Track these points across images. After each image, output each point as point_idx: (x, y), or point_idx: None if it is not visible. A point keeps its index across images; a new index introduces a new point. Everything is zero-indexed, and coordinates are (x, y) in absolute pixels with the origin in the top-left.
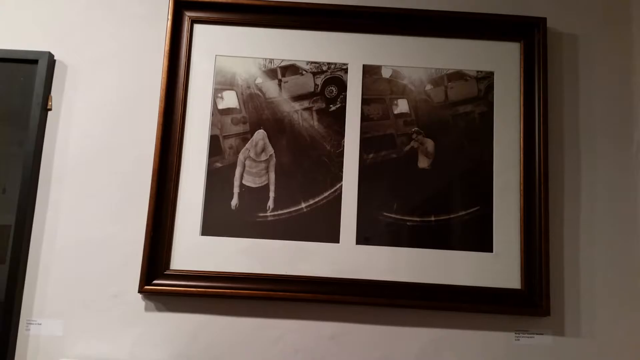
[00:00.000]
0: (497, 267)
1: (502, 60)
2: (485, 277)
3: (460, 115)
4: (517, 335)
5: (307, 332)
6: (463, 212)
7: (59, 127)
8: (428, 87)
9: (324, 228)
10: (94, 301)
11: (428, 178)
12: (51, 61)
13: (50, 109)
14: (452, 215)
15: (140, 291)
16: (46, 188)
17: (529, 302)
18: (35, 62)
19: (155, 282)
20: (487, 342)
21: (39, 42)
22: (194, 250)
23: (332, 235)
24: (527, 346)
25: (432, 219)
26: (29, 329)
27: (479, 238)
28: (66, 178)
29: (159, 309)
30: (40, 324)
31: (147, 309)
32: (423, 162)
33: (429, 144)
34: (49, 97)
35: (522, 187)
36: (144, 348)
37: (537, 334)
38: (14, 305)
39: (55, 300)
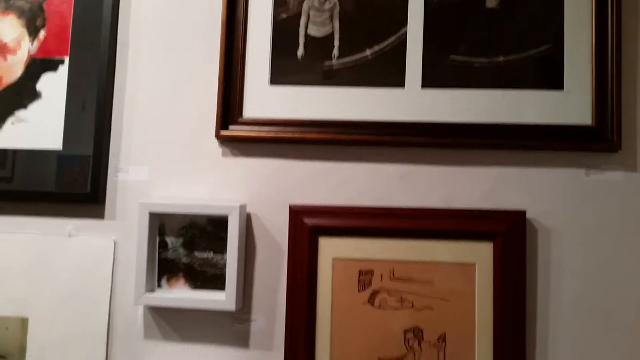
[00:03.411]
0: (568, 104)
1: None
2: (556, 114)
3: None
4: (588, 171)
5: (375, 174)
6: (533, 51)
7: None
8: None
9: (389, 73)
10: (174, 149)
11: (496, 17)
12: None
13: None
14: (521, 55)
15: (216, 136)
16: (125, 49)
17: (599, 137)
18: None
19: (230, 127)
20: (557, 179)
21: None
22: (264, 99)
23: (397, 80)
24: (598, 182)
25: (501, 59)
26: (117, 176)
27: (549, 76)
28: (142, 40)
29: (234, 155)
30: (127, 171)
31: (223, 154)
32: (491, 2)
33: None
34: None
35: (594, 22)
36: (222, 190)
37: (607, 169)
38: (102, 156)
39: (140, 149)
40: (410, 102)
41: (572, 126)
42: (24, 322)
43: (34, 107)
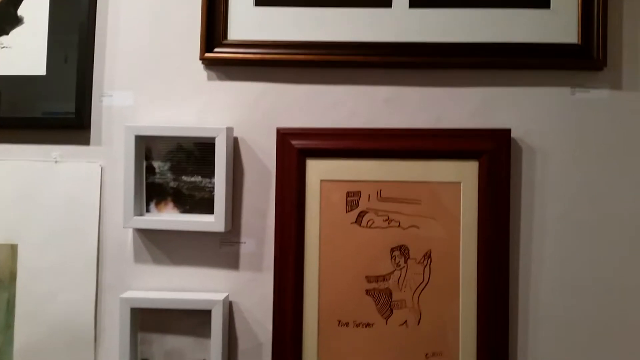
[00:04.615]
0: (554, 22)
1: None
2: (542, 33)
3: None
4: (573, 90)
5: (362, 97)
6: None
7: None
8: None
9: None
10: (159, 73)
11: None
12: None
13: None
14: None
15: (201, 58)
16: None
17: (585, 54)
18: None
19: (215, 50)
20: (542, 98)
21: None
22: (249, 20)
23: None
24: (583, 100)
25: None
26: (102, 101)
27: None
28: None
29: (220, 79)
30: (112, 96)
31: (209, 78)
32: None
33: None
34: None
35: None
36: (209, 114)
37: (593, 88)
38: (86, 80)
39: (124, 74)
40: (398, 22)
41: (559, 44)
42: (13, 249)
43: (16, 33)
